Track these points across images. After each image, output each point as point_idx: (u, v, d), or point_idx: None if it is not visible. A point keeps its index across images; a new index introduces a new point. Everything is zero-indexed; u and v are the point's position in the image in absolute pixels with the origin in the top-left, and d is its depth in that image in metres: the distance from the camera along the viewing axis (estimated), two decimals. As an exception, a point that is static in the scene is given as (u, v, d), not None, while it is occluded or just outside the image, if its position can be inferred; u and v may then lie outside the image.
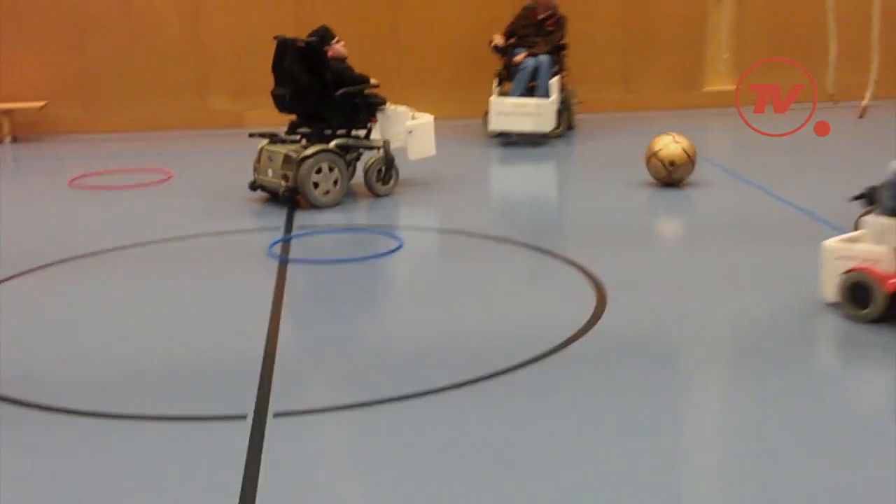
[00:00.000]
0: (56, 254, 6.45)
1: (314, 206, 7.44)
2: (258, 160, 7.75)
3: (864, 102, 8.53)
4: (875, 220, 5.07)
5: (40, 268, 6.22)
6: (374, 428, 4.05)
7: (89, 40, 11.21)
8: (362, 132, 7.88)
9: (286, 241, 6.69)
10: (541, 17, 10.13)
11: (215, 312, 5.44)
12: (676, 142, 7.80)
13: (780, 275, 5.73)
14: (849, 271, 4.96)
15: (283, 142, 7.73)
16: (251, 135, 8.01)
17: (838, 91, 9.72)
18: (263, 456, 3.79)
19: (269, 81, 11.87)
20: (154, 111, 11.37)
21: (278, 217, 7.28)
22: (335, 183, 7.54)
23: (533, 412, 4.10)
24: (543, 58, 9.80)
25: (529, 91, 9.79)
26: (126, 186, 8.48)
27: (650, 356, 4.65)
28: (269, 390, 4.37)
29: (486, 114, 9.95)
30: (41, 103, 10.96)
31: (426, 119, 8.18)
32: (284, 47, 7.81)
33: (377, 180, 7.80)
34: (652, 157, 7.82)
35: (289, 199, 7.54)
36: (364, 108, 7.82)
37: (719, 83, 11.83)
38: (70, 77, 11.20)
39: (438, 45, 11.43)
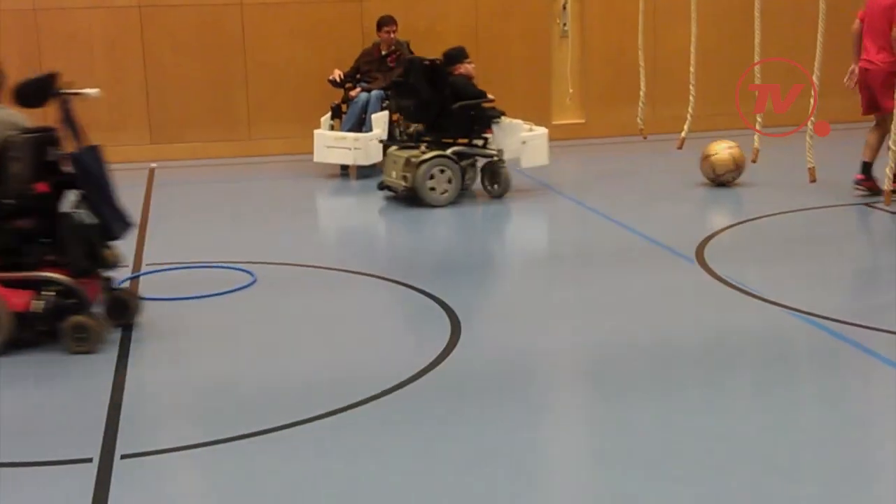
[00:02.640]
0: None
1: (430, 205, 8.37)
2: (384, 164, 8.89)
3: (683, 135, 8.98)
4: None
5: None
6: (222, 467, 3.98)
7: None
8: (480, 142, 8.80)
9: (135, 279, 6.54)
10: (383, 53, 10.26)
11: (61, 353, 5.26)
12: (729, 149, 8.90)
13: (625, 298, 5.92)
14: None
15: (409, 148, 8.72)
16: (381, 141, 9.29)
17: (652, 125, 10.18)
18: (110, 499, 3.68)
19: (114, 119, 11.68)
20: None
21: (127, 254, 7.10)
22: (448, 185, 8.42)
23: (381, 447, 4.10)
24: (375, 93, 9.96)
25: (360, 125, 9.87)
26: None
27: (497, 388, 4.72)
28: (115, 432, 4.25)
29: None
30: None
31: (540, 132, 9.12)
32: (411, 64, 8.92)
33: (490, 184, 8.78)
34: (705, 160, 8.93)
35: (407, 196, 8.47)
36: (479, 120, 8.76)
37: (566, 117, 12.20)
38: None
39: (286, 83, 11.44)
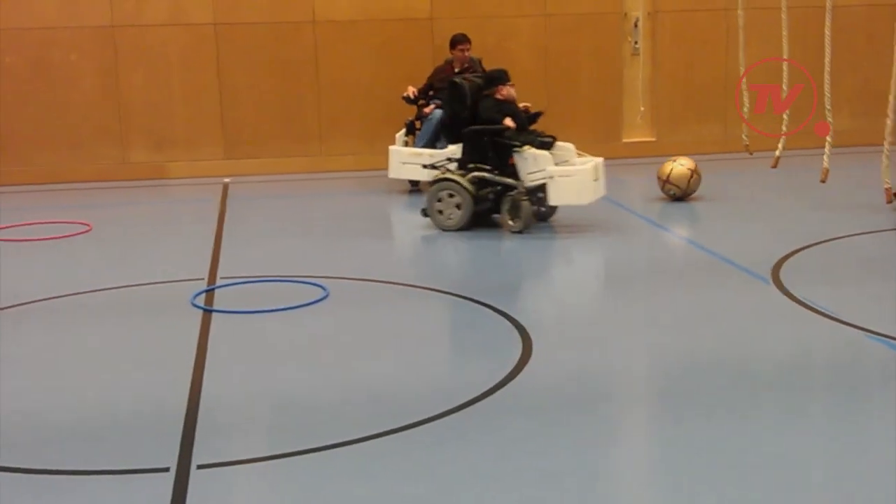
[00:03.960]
0: (-29, 307, 6.30)
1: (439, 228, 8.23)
2: None
3: (778, 153, 8.84)
4: None
5: (-46, 322, 6.07)
6: (297, 479, 4.01)
7: (2, 93, 11.03)
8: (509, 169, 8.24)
9: (210, 292, 6.63)
10: (457, 70, 10.28)
11: (138, 364, 5.35)
12: (682, 164, 9.15)
13: (700, 319, 5.85)
14: None
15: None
16: (448, 160, 8.66)
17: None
18: (187, 508, 3.73)
19: (189, 134, 11.85)
20: (72, 163, 11.22)
21: (202, 268, 7.21)
22: (456, 210, 8.15)
23: (447, 465, 4.09)
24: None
25: (434, 141, 9.89)
26: (44, 238, 8.33)
27: (567, 407, 4.69)
28: (192, 442, 4.30)
29: None
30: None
31: (575, 168, 8.18)
32: (447, 84, 8.84)
33: (510, 218, 8.14)
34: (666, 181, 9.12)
35: (424, 216, 8.35)
36: (497, 147, 8.19)
37: (637, 135, 12.14)
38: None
39: (357, 100, 11.55)
